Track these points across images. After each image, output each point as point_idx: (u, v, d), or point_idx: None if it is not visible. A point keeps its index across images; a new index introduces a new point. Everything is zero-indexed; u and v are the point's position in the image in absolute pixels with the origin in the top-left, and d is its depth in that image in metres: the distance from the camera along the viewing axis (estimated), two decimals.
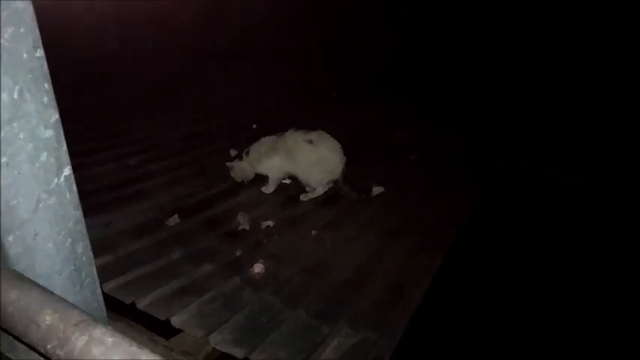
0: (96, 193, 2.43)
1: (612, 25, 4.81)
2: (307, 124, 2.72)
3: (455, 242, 2.45)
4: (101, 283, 1.80)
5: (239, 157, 2.70)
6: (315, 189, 2.66)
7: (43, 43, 0.81)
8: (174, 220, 2.27)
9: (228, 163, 2.67)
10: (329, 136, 2.63)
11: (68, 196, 0.92)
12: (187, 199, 2.52)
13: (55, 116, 0.86)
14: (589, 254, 2.70)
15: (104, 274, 1.86)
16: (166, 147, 3.14)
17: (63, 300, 0.68)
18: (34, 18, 0.79)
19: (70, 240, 0.94)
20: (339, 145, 2.63)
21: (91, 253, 1.00)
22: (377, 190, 2.73)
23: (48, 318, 0.63)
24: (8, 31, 0.75)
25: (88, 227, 2.14)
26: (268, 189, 2.68)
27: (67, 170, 0.90)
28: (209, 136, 3.43)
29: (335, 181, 2.68)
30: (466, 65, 5.42)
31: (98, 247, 1.98)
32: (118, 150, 2.99)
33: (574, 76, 4.78)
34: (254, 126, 3.52)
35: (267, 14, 6.25)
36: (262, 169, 2.64)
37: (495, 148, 3.86)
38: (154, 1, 6.69)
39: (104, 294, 1.76)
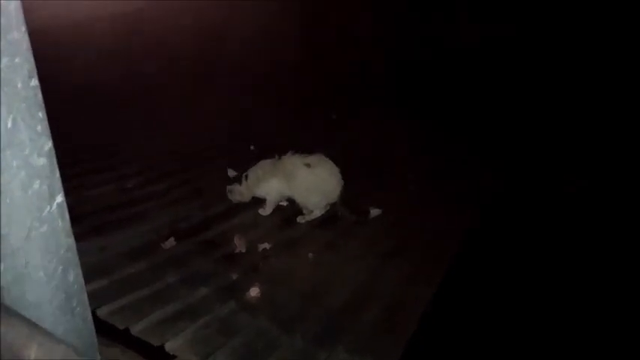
0: (93, 216, 2.43)
1: (611, 25, 4.87)
2: (306, 144, 2.73)
3: (453, 265, 2.43)
4: (96, 307, 1.80)
5: (238, 180, 2.70)
6: (312, 211, 2.66)
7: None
8: (170, 243, 2.26)
9: (228, 187, 2.67)
10: (327, 159, 2.64)
11: (60, 224, 0.91)
12: (184, 221, 2.51)
13: (49, 144, 0.86)
14: (595, 264, 2.64)
15: (99, 298, 1.85)
16: (164, 168, 3.14)
17: (49, 334, 0.67)
18: (30, 48, 0.79)
19: (61, 268, 0.93)
20: (337, 169, 2.63)
21: (82, 281, 0.99)
22: (374, 212, 2.72)
23: (33, 353, 0.62)
24: (3, 62, 0.75)
25: (84, 250, 2.13)
26: (265, 211, 2.68)
27: (60, 198, 0.90)
28: (207, 157, 3.44)
29: (333, 204, 2.68)
30: (463, 69, 5.46)
31: (94, 270, 1.99)
32: (115, 171, 2.99)
33: (573, 76, 4.81)
34: (252, 147, 3.52)
35: (266, 33, 6.36)
36: (260, 192, 2.65)
37: (495, 162, 3.83)
38: (154, 22, 6.81)
39: (99, 319, 1.75)
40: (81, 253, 1.01)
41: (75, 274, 0.97)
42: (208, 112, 4.34)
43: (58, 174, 0.89)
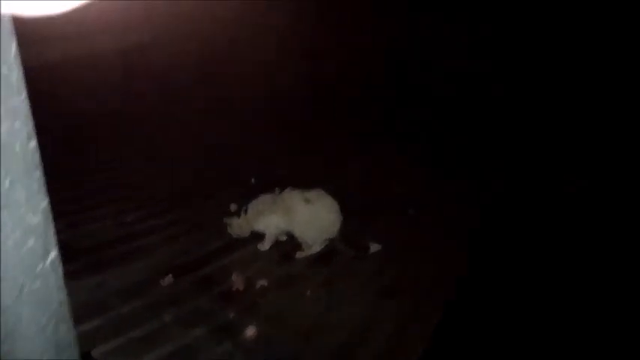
0: (90, 252, 2.43)
1: (611, 26, 4.90)
2: (306, 178, 2.74)
3: (454, 300, 2.41)
4: (91, 347, 1.79)
5: (237, 213, 2.71)
6: (311, 246, 2.66)
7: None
8: (168, 280, 2.26)
9: (226, 220, 2.68)
10: (327, 194, 2.65)
11: (53, 279, 0.91)
12: (182, 257, 2.51)
13: (45, 202, 0.87)
14: (595, 264, 2.59)
15: (94, 337, 1.84)
16: (163, 202, 3.15)
17: None
18: (29, 112, 0.82)
19: (53, 322, 0.93)
20: (337, 205, 2.65)
21: (73, 334, 0.99)
22: (374, 247, 2.71)
23: None
24: (3, 127, 0.77)
25: (81, 287, 2.12)
26: (264, 246, 2.68)
27: (53, 254, 0.90)
28: (206, 190, 3.44)
29: (331, 239, 2.68)
30: (463, 69, 5.46)
31: (89, 308, 1.98)
32: (115, 206, 3.00)
33: (572, 77, 4.81)
34: (252, 180, 3.54)
35: (267, 63, 6.43)
36: (259, 226, 2.65)
37: (495, 162, 3.79)
38: (155, 50, 6.89)
39: None
40: (77, 290, 1.02)
41: (66, 328, 0.96)
42: (208, 142, 4.37)
43: (52, 229, 0.90)
